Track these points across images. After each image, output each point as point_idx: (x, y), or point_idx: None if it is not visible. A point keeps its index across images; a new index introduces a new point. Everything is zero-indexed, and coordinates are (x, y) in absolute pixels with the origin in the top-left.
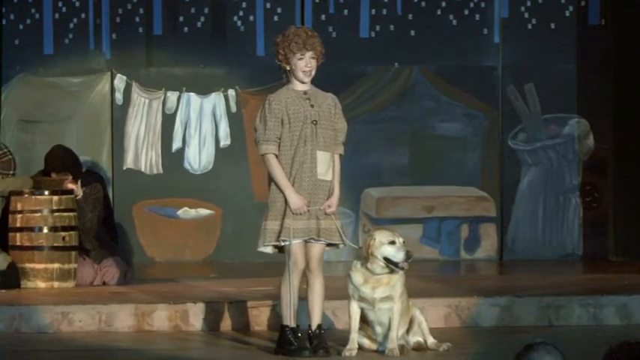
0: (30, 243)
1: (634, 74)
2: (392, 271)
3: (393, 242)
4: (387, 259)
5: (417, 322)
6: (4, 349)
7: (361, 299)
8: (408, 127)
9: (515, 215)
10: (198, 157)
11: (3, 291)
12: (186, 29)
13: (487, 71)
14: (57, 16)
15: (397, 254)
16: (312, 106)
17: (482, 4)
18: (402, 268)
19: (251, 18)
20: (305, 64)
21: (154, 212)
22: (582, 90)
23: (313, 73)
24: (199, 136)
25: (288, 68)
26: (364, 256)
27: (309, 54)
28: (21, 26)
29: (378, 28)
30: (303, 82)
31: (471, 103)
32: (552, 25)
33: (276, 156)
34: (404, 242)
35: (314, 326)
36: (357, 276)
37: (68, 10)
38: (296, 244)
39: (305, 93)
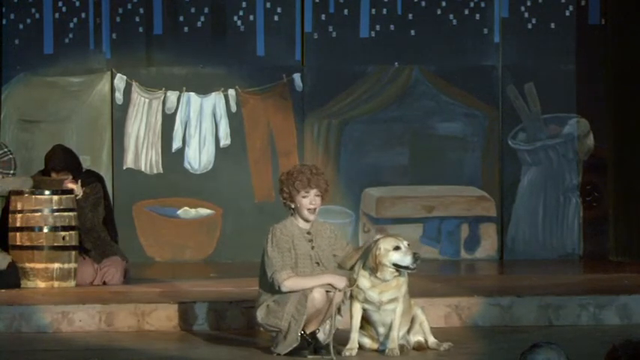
0: (30, 243)
1: (634, 74)
2: (400, 275)
3: (398, 247)
4: (396, 265)
5: (419, 322)
6: (4, 349)
7: (366, 301)
8: (408, 127)
9: (515, 215)
10: (198, 157)
11: (3, 291)
12: (186, 29)
13: (487, 71)
14: (57, 15)
15: (404, 258)
16: (312, 247)
17: (482, 4)
18: (414, 270)
19: (251, 18)
20: (310, 201)
21: (154, 212)
22: (582, 90)
23: (318, 210)
24: (199, 135)
25: (292, 206)
26: (372, 267)
27: (313, 192)
28: (21, 26)
29: (378, 27)
30: (307, 220)
31: (471, 103)
32: (552, 25)
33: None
34: (409, 245)
35: (309, 330)
36: (364, 281)
37: (68, 10)
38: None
39: (308, 233)
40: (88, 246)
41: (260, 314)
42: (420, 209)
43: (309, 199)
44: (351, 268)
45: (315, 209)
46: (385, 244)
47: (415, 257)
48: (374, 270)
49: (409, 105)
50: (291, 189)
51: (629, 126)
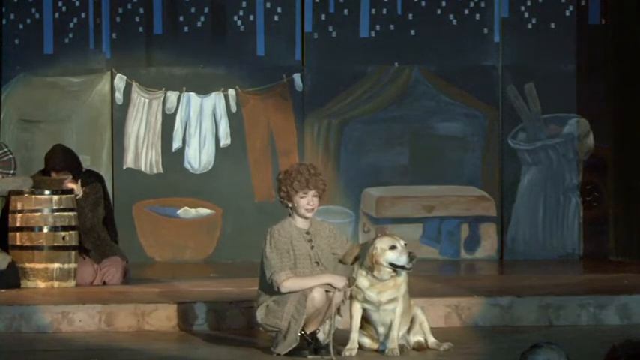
0: (30, 243)
1: (634, 74)
2: (397, 274)
3: (394, 247)
4: (392, 264)
5: (419, 322)
6: (4, 349)
7: (366, 301)
8: (408, 127)
9: (515, 215)
10: (198, 157)
11: (3, 291)
12: (186, 29)
13: (487, 71)
14: (57, 15)
15: (400, 258)
16: (312, 247)
17: (482, 4)
18: (409, 269)
19: (251, 18)
20: (307, 202)
21: (154, 212)
22: (582, 90)
23: (316, 209)
24: (199, 135)
25: (290, 205)
26: (369, 266)
27: (311, 192)
28: (21, 26)
29: (378, 27)
30: (305, 217)
31: (471, 103)
32: (552, 25)
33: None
34: (405, 244)
35: (308, 330)
36: (363, 280)
37: (68, 10)
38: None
39: (307, 233)
40: (88, 246)
41: (260, 314)
42: (420, 209)
43: (306, 200)
44: (353, 263)
45: (312, 209)
46: (382, 244)
47: (411, 256)
48: (371, 269)
49: (409, 105)
50: (289, 189)
51: (629, 126)
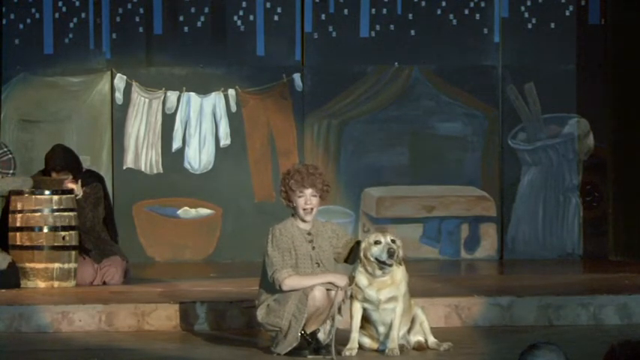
0: (30, 243)
1: (634, 74)
2: (384, 270)
3: (378, 242)
4: (377, 259)
5: (419, 322)
6: (4, 349)
7: (365, 300)
8: (408, 127)
9: (516, 215)
10: (198, 157)
11: (3, 291)
12: (186, 29)
13: (487, 71)
14: (57, 15)
15: (382, 253)
16: (313, 248)
17: (482, 4)
18: (390, 265)
19: (251, 18)
20: (305, 201)
21: (154, 212)
22: (582, 90)
23: (315, 210)
24: (199, 135)
25: (292, 206)
26: (360, 259)
27: (309, 191)
28: (21, 26)
29: (378, 27)
30: (304, 221)
31: (471, 103)
32: (552, 25)
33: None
34: (392, 240)
35: (309, 330)
36: (362, 278)
37: (68, 10)
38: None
39: (309, 234)
40: (88, 246)
41: (260, 313)
42: (420, 209)
43: (304, 199)
44: (346, 261)
45: (311, 209)
46: (369, 238)
47: (389, 252)
48: (363, 264)
49: (409, 105)
50: (288, 188)
51: (629, 126)
